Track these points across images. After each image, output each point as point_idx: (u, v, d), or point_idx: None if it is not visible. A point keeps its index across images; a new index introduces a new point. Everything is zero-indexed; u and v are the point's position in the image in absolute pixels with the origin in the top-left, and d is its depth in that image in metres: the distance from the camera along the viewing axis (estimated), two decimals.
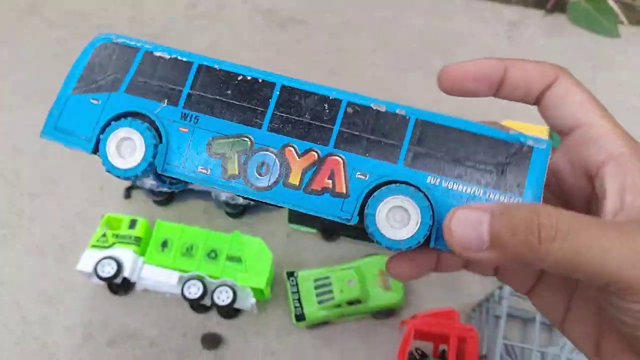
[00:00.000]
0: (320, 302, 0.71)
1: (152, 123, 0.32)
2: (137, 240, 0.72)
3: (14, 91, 0.93)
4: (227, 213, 0.80)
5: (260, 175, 0.31)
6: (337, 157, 0.31)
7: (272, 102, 0.31)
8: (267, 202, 0.31)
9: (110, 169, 0.31)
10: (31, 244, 0.80)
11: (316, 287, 0.72)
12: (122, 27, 1.00)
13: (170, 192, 0.80)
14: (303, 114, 0.31)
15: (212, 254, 0.71)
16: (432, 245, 0.30)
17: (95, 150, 0.32)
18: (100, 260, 0.70)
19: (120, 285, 0.74)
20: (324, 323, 0.73)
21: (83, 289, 0.76)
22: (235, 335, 0.73)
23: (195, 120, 0.32)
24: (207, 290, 0.70)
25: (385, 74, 0.96)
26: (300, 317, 0.71)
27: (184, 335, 0.73)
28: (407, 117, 0.31)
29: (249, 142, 0.31)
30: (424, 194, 0.30)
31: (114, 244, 0.72)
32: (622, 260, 0.26)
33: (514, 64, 0.32)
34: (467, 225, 0.27)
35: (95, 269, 0.70)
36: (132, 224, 0.73)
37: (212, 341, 0.71)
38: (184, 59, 0.32)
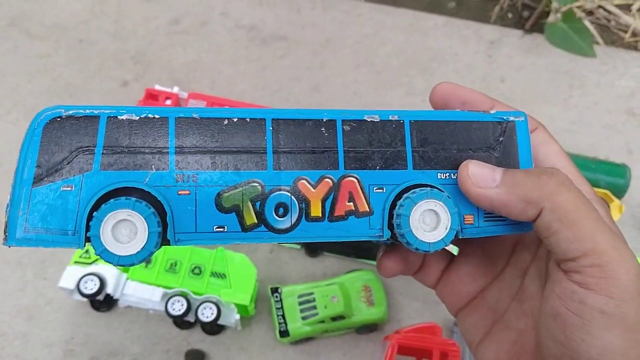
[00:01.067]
0: (304, 318, 0.72)
1: (146, 196, 0.28)
2: None
3: None
4: None
5: (281, 217, 0.29)
6: (351, 178, 0.30)
7: (269, 139, 0.29)
8: (294, 242, 0.30)
9: (111, 259, 0.27)
10: (11, 259, 0.79)
11: (300, 303, 0.73)
12: (104, 42, 1.00)
13: None
14: (303, 143, 0.30)
15: (196, 270, 0.71)
16: (460, 236, 0.32)
17: (86, 242, 0.28)
18: (83, 277, 0.70)
19: (102, 302, 0.73)
20: (307, 339, 0.74)
21: (64, 305, 0.75)
22: (219, 352, 0.73)
23: (194, 179, 0.29)
24: (191, 307, 0.70)
25: (367, 90, 0.97)
26: (284, 333, 0.71)
27: (167, 351, 0.73)
28: (402, 121, 0.31)
29: (259, 186, 0.29)
30: (453, 201, 0.31)
31: (96, 260, 0.71)
32: (610, 240, 0.29)
33: (500, 107, 0.35)
34: (483, 167, 0.31)
35: (77, 286, 0.69)
36: None
37: (195, 357, 0.71)
38: (156, 116, 0.29)
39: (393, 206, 0.31)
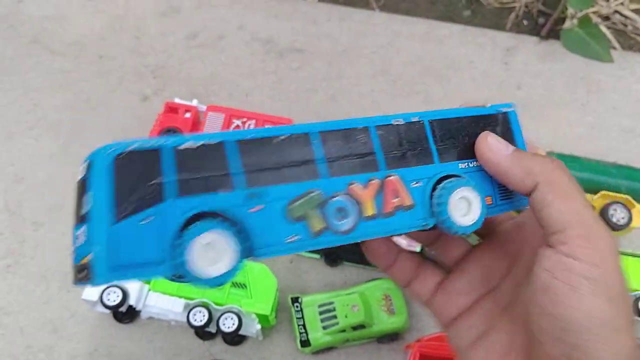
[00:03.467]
0: (325, 328, 0.72)
1: (224, 217, 0.29)
2: None
3: (17, 120, 0.93)
4: None
5: (341, 220, 0.32)
6: (392, 177, 0.34)
7: (318, 151, 0.32)
8: (358, 241, 0.33)
9: (203, 282, 0.28)
10: (35, 272, 0.80)
11: (320, 313, 0.73)
12: (124, 57, 1.02)
13: None
14: (347, 150, 0.33)
15: None
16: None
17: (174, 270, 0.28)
18: (106, 289, 0.71)
19: (125, 314, 0.74)
20: (329, 348, 0.74)
21: (87, 317, 0.76)
22: None
23: (261, 196, 0.30)
24: (213, 317, 0.70)
25: (385, 100, 0.98)
26: (305, 343, 0.72)
27: None
28: (422, 121, 0.36)
29: (319, 194, 0.31)
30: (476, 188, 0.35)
31: None
32: (595, 218, 0.33)
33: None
34: (499, 140, 0.36)
35: (100, 298, 0.70)
36: None
37: None
38: (214, 142, 0.30)
39: (430, 197, 0.35)
